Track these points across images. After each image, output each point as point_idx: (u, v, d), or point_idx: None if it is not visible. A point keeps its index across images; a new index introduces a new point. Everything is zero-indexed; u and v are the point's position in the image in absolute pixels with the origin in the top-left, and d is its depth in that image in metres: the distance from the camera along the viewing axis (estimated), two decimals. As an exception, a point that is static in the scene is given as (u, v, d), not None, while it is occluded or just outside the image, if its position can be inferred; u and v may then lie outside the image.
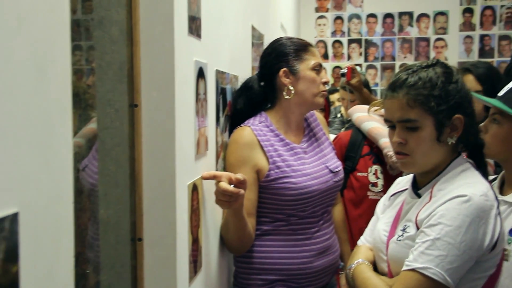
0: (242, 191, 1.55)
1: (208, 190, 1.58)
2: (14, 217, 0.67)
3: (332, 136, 2.61)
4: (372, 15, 6.33)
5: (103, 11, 1.22)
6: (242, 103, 1.92)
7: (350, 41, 6.39)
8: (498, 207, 1.39)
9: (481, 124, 1.78)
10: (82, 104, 1.21)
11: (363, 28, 6.37)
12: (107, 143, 1.22)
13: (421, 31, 6.24)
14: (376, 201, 1.74)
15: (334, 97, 4.57)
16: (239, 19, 2.10)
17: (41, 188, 0.75)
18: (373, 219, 1.64)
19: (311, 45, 1.94)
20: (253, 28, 2.40)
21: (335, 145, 2.24)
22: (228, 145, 1.85)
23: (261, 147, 1.82)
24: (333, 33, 6.43)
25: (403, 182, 1.62)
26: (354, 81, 3.03)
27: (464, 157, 1.51)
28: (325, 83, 1.90)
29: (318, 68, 1.89)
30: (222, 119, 1.80)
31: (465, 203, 1.32)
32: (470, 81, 2.16)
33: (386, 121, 1.47)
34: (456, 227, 1.30)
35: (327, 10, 6.42)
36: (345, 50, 6.41)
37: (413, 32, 6.26)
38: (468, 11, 6.19)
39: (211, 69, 1.62)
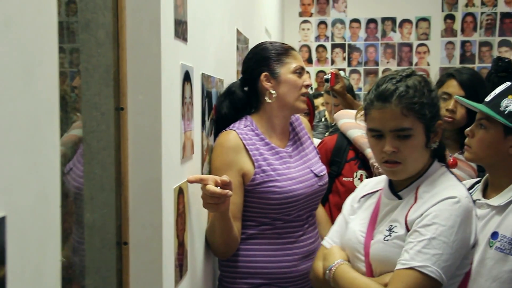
0: (229, 192, 1.55)
1: (194, 193, 1.58)
2: (1, 221, 0.66)
3: (316, 140, 2.62)
4: (355, 20, 6.38)
5: (89, 14, 1.21)
6: (226, 108, 1.92)
7: (334, 46, 6.43)
8: None
9: (467, 129, 1.80)
10: (67, 107, 1.21)
11: (347, 33, 6.42)
12: (93, 147, 1.21)
13: (404, 36, 6.31)
14: None
15: (318, 101, 4.59)
16: (225, 23, 2.10)
17: (28, 191, 0.74)
18: (339, 220, 1.64)
19: (293, 49, 1.95)
20: (238, 32, 2.41)
21: (321, 149, 2.25)
22: (214, 149, 1.85)
23: (247, 151, 1.82)
24: (317, 38, 6.47)
25: (371, 184, 1.64)
26: (337, 86, 3.05)
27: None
28: (307, 86, 1.91)
29: (299, 71, 1.90)
30: (207, 123, 1.80)
31: (456, 204, 1.38)
32: (453, 86, 2.18)
33: (373, 130, 1.47)
34: (449, 227, 1.36)
35: (311, 15, 6.46)
36: (328, 55, 6.45)
37: (396, 37, 6.33)
38: (450, 18, 6.27)
39: (197, 72, 1.62)
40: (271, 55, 1.90)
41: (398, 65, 6.29)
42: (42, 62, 0.79)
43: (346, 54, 6.41)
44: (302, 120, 2.09)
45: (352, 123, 2.26)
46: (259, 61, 1.91)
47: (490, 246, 1.70)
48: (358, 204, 1.61)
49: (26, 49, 0.74)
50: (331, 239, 1.62)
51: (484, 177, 1.84)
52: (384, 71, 6.31)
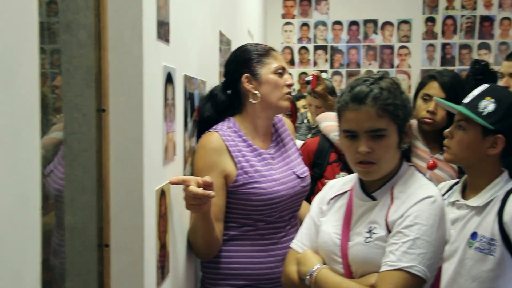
0: (212, 192, 1.55)
1: (176, 195, 1.58)
2: (-20, 223, 0.66)
3: (298, 142, 2.63)
4: (337, 22, 6.41)
5: (70, 15, 1.20)
6: (208, 111, 1.92)
7: (316, 48, 6.46)
8: None
9: (447, 130, 1.83)
10: (48, 108, 1.20)
11: (329, 35, 6.45)
12: (74, 148, 1.20)
13: (386, 38, 6.37)
14: None
15: (299, 103, 4.60)
16: (207, 25, 2.10)
17: (8, 193, 0.74)
18: (307, 223, 1.64)
19: (273, 49, 1.96)
20: (221, 34, 2.41)
21: (303, 151, 2.26)
22: (196, 150, 1.85)
23: (229, 152, 1.82)
24: (300, 40, 6.49)
25: (338, 185, 1.66)
26: (319, 88, 3.06)
27: None
28: (290, 85, 1.91)
29: (280, 71, 1.90)
30: (190, 124, 1.79)
31: (433, 203, 1.43)
32: (434, 88, 2.21)
33: (348, 131, 1.49)
34: (430, 226, 1.40)
35: (293, 17, 6.48)
36: (311, 57, 6.47)
37: (377, 39, 6.38)
38: (431, 20, 6.34)
39: (179, 74, 1.62)
40: (252, 57, 1.90)
41: (380, 67, 6.34)
42: (23, 63, 0.78)
43: (328, 56, 6.45)
44: (285, 122, 2.09)
45: (335, 126, 2.26)
46: (239, 63, 1.92)
47: (470, 247, 1.72)
48: (327, 206, 1.61)
49: (6, 49, 0.73)
50: (300, 242, 1.62)
51: (463, 178, 1.87)
52: (366, 73, 6.36)
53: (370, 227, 1.47)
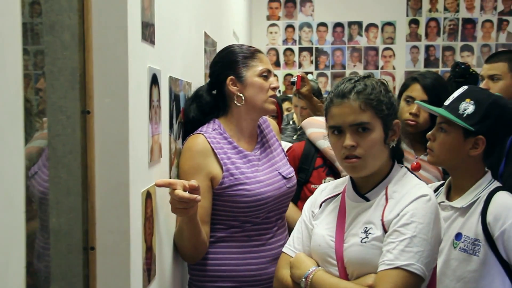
0: (198, 197, 1.54)
1: (162, 197, 1.57)
2: (-37, 227, 0.65)
3: (284, 143, 2.62)
4: (322, 24, 6.44)
5: (54, 16, 1.19)
6: (194, 112, 1.92)
7: (301, 49, 6.48)
8: None
9: (429, 133, 1.84)
10: (32, 110, 1.18)
11: (314, 37, 6.47)
12: (58, 150, 1.19)
13: (370, 40, 6.41)
14: None
15: (285, 105, 4.61)
16: (192, 26, 2.10)
17: (-9, 196, 0.73)
18: (299, 227, 1.64)
19: (259, 52, 1.95)
20: (206, 35, 2.40)
21: (289, 156, 2.25)
22: (182, 152, 1.84)
23: (215, 154, 1.82)
24: (285, 41, 6.51)
25: (329, 188, 1.66)
26: (304, 89, 3.07)
27: None
28: (275, 88, 1.91)
29: (266, 74, 1.90)
30: (175, 126, 1.79)
31: (428, 202, 1.44)
32: (417, 90, 2.22)
33: (333, 127, 1.51)
34: (427, 224, 1.41)
35: (278, 19, 6.50)
36: (296, 58, 6.49)
37: (362, 41, 6.42)
38: (414, 22, 6.40)
39: (165, 75, 1.61)
40: (237, 59, 1.90)
41: (365, 68, 6.38)
42: (6, 65, 0.77)
43: (313, 58, 6.47)
44: (270, 123, 2.09)
45: (322, 133, 2.25)
46: (224, 65, 1.91)
47: (454, 247, 1.74)
48: (320, 210, 1.61)
49: (-11, 51, 0.72)
50: (292, 246, 1.62)
51: (448, 180, 1.88)
52: (351, 74, 6.39)
53: (366, 227, 1.47)
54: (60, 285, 1.20)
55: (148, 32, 1.41)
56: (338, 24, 6.41)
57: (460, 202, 1.76)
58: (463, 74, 3.02)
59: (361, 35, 6.40)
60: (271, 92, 1.90)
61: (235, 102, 1.88)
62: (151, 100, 1.44)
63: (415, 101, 2.14)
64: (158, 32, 1.50)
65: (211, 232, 1.83)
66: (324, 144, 2.23)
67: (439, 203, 1.82)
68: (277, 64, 6.44)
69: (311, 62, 6.47)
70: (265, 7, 6.49)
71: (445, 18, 6.37)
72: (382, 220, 1.45)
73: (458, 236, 1.74)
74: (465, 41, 6.35)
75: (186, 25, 1.97)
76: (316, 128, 2.30)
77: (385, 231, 1.44)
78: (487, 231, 1.67)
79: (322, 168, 2.26)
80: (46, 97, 1.19)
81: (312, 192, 2.23)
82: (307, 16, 6.46)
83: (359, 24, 6.40)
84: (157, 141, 1.52)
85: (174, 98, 1.75)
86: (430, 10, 6.37)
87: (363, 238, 1.46)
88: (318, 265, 1.54)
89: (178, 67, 1.83)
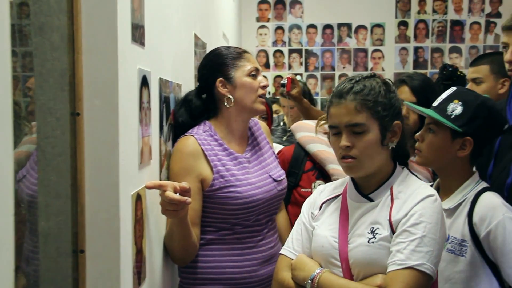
0: (188, 199, 1.54)
1: (152, 199, 1.56)
2: (-50, 231, 0.64)
3: (274, 145, 2.62)
4: (312, 26, 6.46)
5: (43, 17, 1.18)
6: (183, 117, 1.91)
7: (291, 51, 6.49)
8: None
9: (417, 134, 1.85)
10: (20, 112, 1.17)
11: (304, 39, 6.49)
12: (47, 153, 1.18)
13: (359, 42, 6.43)
14: None
15: (273, 108, 4.61)
16: (182, 28, 2.09)
17: (-21, 199, 0.72)
18: (298, 229, 1.63)
19: (246, 52, 1.95)
20: (196, 37, 2.40)
21: (278, 159, 2.25)
22: (172, 154, 1.84)
23: (205, 156, 1.82)
24: (274, 43, 6.51)
25: (328, 189, 1.66)
26: (294, 91, 3.06)
27: None
28: (264, 87, 1.91)
29: (254, 73, 1.90)
30: (165, 128, 1.78)
31: (435, 202, 1.46)
32: (405, 92, 2.23)
33: (332, 127, 1.52)
34: (435, 223, 1.42)
35: (268, 20, 6.50)
36: (286, 60, 6.50)
37: (351, 43, 6.44)
38: (403, 24, 6.43)
39: (155, 77, 1.61)
40: (224, 60, 1.90)
41: (354, 70, 6.40)
42: (-6, 66, 0.76)
43: (303, 59, 6.48)
44: (261, 125, 2.09)
45: (312, 137, 2.25)
46: (212, 67, 1.91)
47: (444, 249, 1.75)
48: (320, 211, 1.61)
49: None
50: (292, 249, 1.61)
51: (436, 181, 1.89)
52: (340, 76, 6.41)
53: (373, 227, 1.47)
54: (50, 289, 1.19)
55: (138, 34, 1.40)
56: (328, 26, 6.43)
57: (447, 203, 1.77)
58: (451, 77, 3.04)
59: (350, 37, 6.43)
60: (260, 91, 1.90)
61: (225, 103, 1.88)
62: (141, 102, 1.44)
63: (404, 102, 2.14)
64: (148, 33, 1.49)
65: (201, 234, 1.83)
66: (314, 147, 2.23)
67: None
68: (266, 65, 6.45)
69: (301, 63, 6.48)
70: (254, 9, 6.49)
71: (433, 20, 6.41)
72: (389, 220, 1.45)
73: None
74: (453, 43, 6.40)
75: (176, 26, 1.96)
76: (306, 131, 2.29)
77: (392, 231, 1.44)
78: (474, 231, 1.68)
79: (311, 171, 2.25)
80: (35, 99, 1.18)
81: (302, 196, 2.23)
82: (296, 18, 6.47)
83: (349, 26, 6.42)
84: (147, 143, 1.52)
85: (164, 100, 1.75)
86: (418, 12, 6.41)
87: (371, 239, 1.46)
88: (321, 267, 1.53)
89: (168, 68, 1.82)
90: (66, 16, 1.18)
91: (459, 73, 3.16)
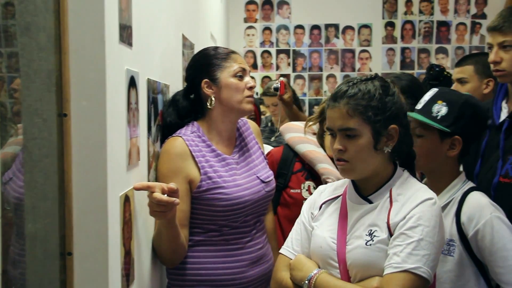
0: (177, 200, 1.53)
1: (140, 201, 1.55)
2: None
3: (267, 147, 2.61)
4: (299, 27, 6.46)
5: (29, 17, 1.17)
6: (171, 117, 1.91)
7: (279, 52, 6.49)
8: None
9: None
10: (6, 114, 1.16)
11: (291, 39, 6.49)
12: (34, 154, 1.17)
13: (347, 43, 6.45)
14: None
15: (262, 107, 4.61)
16: (170, 28, 2.08)
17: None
18: (298, 229, 1.64)
19: (233, 52, 1.94)
20: (184, 38, 2.39)
21: (267, 161, 2.24)
22: (160, 155, 1.83)
23: (193, 157, 1.81)
24: (262, 44, 6.51)
25: (328, 190, 1.66)
26: (286, 96, 3.07)
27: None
28: (251, 87, 1.90)
29: (240, 74, 1.89)
30: (153, 129, 1.77)
31: (434, 205, 1.46)
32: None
33: (328, 129, 1.54)
34: (433, 227, 1.43)
35: (255, 21, 6.50)
36: (273, 60, 6.50)
37: (339, 43, 6.45)
38: (390, 25, 6.46)
39: (143, 78, 1.60)
40: (210, 61, 1.89)
41: (342, 70, 6.41)
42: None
43: (290, 60, 6.49)
44: (250, 125, 2.09)
45: (301, 138, 2.25)
46: (198, 68, 1.91)
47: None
48: (319, 211, 1.61)
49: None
50: (291, 248, 1.61)
51: (423, 181, 1.90)
52: (328, 76, 6.42)
53: (371, 230, 1.47)
54: (37, 292, 1.18)
55: (125, 34, 1.39)
56: (315, 27, 6.44)
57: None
58: (438, 77, 3.06)
59: (338, 38, 6.44)
60: (247, 92, 1.89)
61: (208, 104, 1.87)
62: (129, 103, 1.43)
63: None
64: (135, 34, 1.49)
65: (189, 236, 1.82)
66: (303, 148, 2.23)
67: None
68: (254, 66, 6.44)
69: (289, 64, 6.49)
70: (242, 10, 6.48)
71: (420, 21, 6.45)
72: (387, 222, 1.46)
73: (434, 237, 1.75)
74: (439, 43, 6.44)
75: (164, 27, 1.95)
76: (295, 132, 2.29)
77: (390, 233, 1.45)
78: (461, 231, 1.69)
79: (301, 172, 2.25)
80: (21, 100, 1.17)
81: (291, 197, 2.23)
82: (284, 18, 6.47)
83: (336, 26, 6.43)
84: (135, 144, 1.51)
85: (152, 101, 1.74)
86: (405, 13, 6.44)
87: (368, 241, 1.46)
88: (319, 267, 1.53)
89: (156, 69, 1.81)
90: (52, 16, 1.17)
91: (445, 73, 3.18)
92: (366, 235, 1.47)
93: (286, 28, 6.48)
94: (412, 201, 1.47)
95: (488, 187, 1.91)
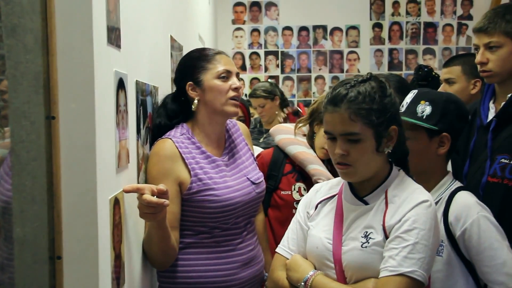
0: (166, 201, 1.52)
1: (130, 203, 1.54)
2: None
3: (256, 148, 2.61)
4: (287, 28, 6.47)
5: (16, 18, 1.16)
6: (161, 118, 1.90)
7: (267, 53, 6.50)
8: None
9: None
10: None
11: (279, 41, 6.50)
12: (22, 157, 1.16)
13: (335, 44, 6.47)
14: None
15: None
16: (158, 30, 2.07)
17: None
18: (294, 228, 1.64)
19: (219, 53, 1.93)
20: (172, 39, 2.38)
21: (257, 163, 2.24)
22: (150, 157, 1.82)
23: (183, 159, 1.80)
24: (250, 45, 6.51)
25: (324, 189, 1.66)
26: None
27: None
28: (236, 89, 1.88)
29: (224, 75, 1.88)
30: (142, 131, 1.76)
31: (429, 208, 1.46)
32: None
33: (327, 133, 1.51)
34: (428, 230, 1.43)
35: (243, 23, 6.50)
36: (262, 62, 6.51)
37: (327, 45, 6.47)
38: (378, 26, 6.49)
39: (131, 80, 1.59)
40: (193, 64, 1.89)
41: (330, 72, 6.44)
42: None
43: (279, 61, 6.50)
44: (240, 126, 2.08)
45: (291, 139, 2.25)
46: (183, 71, 1.91)
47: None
48: (315, 211, 1.61)
49: None
50: (287, 248, 1.61)
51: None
52: (316, 78, 6.44)
53: (366, 232, 1.47)
54: (26, 297, 1.17)
55: (113, 36, 1.38)
56: (303, 28, 6.46)
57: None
58: (426, 77, 3.08)
59: (326, 39, 6.46)
60: (232, 93, 1.87)
61: (193, 107, 1.87)
62: (117, 105, 1.42)
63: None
64: (124, 35, 1.48)
65: (180, 238, 1.81)
66: (294, 149, 2.23)
67: None
68: (243, 68, 6.44)
69: (277, 66, 6.49)
70: (230, 11, 6.48)
71: (407, 22, 6.49)
72: (383, 225, 1.46)
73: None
74: (427, 44, 6.48)
75: (152, 28, 1.94)
76: (285, 134, 2.29)
77: (386, 236, 1.45)
78: (449, 231, 1.70)
79: (291, 174, 2.25)
80: (8, 103, 1.15)
81: (282, 199, 2.23)
82: (272, 20, 6.48)
83: (324, 28, 6.45)
84: (125, 146, 1.50)
85: (141, 103, 1.73)
86: (393, 14, 6.48)
87: (364, 243, 1.46)
88: (315, 268, 1.53)
89: (145, 71, 1.80)
90: (39, 18, 1.16)
91: (434, 73, 3.21)
92: (362, 237, 1.47)
93: (274, 29, 6.49)
94: (407, 203, 1.47)
95: (477, 187, 1.92)
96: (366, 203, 1.52)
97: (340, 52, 6.48)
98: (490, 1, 6.14)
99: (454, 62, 2.72)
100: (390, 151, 1.52)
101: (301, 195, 2.15)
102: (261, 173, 2.02)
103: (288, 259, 1.59)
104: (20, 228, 1.16)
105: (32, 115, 1.16)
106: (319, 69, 6.48)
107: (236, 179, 1.90)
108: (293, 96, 6.42)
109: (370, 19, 6.48)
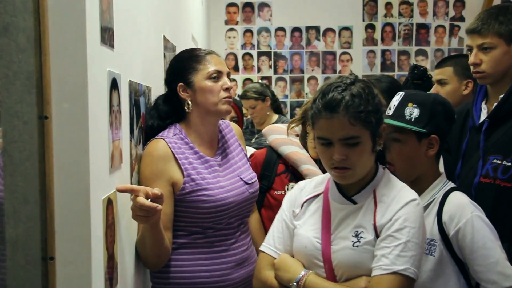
0: (159, 206, 1.52)
1: (123, 204, 1.54)
2: None
3: (249, 149, 2.61)
4: (280, 29, 6.48)
5: (8, 17, 1.15)
6: (154, 119, 1.89)
7: (260, 54, 6.50)
8: None
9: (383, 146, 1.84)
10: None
11: (272, 41, 6.51)
12: (15, 158, 1.15)
13: (328, 45, 6.48)
14: None
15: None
16: (152, 30, 2.07)
17: None
18: (279, 226, 1.63)
19: (209, 53, 1.92)
20: (165, 40, 2.37)
21: (251, 163, 2.24)
22: (142, 158, 1.81)
23: (176, 160, 1.80)
24: (243, 46, 6.51)
25: (309, 187, 1.65)
26: None
27: None
28: (227, 89, 1.88)
29: (215, 76, 1.87)
30: (136, 132, 1.76)
31: (417, 206, 1.49)
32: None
33: (322, 139, 1.49)
34: (418, 228, 1.46)
35: (236, 23, 6.50)
36: (255, 63, 6.51)
37: (320, 45, 6.49)
38: (370, 27, 6.51)
39: (125, 80, 1.58)
40: (183, 65, 1.89)
41: (323, 72, 6.45)
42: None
43: (272, 62, 6.50)
44: (233, 127, 2.08)
45: (284, 139, 2.25)
46: (174, 72, 1.91)
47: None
48: (301, 210, 1.61)
49: None
50: (274, 247, 1.60)
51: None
52: (309, 78, 6.45)
53: (357, 231, 1.49)
54: (18, 298, 1.16)
55: (107, 36, 1.38)
56: (296, 29, 6.46)
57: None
58: (421, 76, 3.08)
59: (318, 40, 6.48)
60: (223, 93, 1.87)
61: (185, 108, 1.86)
62: (111, 105, 1.41)
63: None
64: (117, 35, 1.47)
65: (173, 238, 1.81)
66: (287, 149, 2.23)
67: None
68: (236, 68, 6.44)
69: (270, 66, 6.50)
70: (223, 12, 6.48)
71: (400, 23, 6.51)
72: (374, 224, 1.47)
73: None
74: (419, 45, 6.51)
75: (145, 28, 1.94)
76: (278, 134, 2.29)
77: (377, 235, 1.47)
78: (443, 230, 1.70)
79: (284, 174, 2.25)
80: (1, 102, 1.15)
81: (275, 199, 2.23)
82: (265, 20, 6.49)
83: (317, 28, 6.47)
84: (118, 146, 1.49)
85: (135, 103, 1.72)
86: (385, 15, 6.50)
87: (355, 242, 1.47)
88: (304, 267, 1.54)
89: (138, 71, 1.80)
90: (32, 17, 1.15)
91: (428, 74, 3.22)
92: (353, 236, 1.48)
93: (267, 30, 6.49)
94: (396, 202, 1.49)
95: (469, 187, 1.93)
96: (354, 202, 1.53)
97: (333, 53, 6.49)
98: (482, 3, 6.17)
99: (446, 63, 2.73)
100: (380, 148, 1.54)
101: None
102: (254, 173, 2.02)
103: (275, 258, 1.58)
104: (12, 229, 1.15)
105: (24, 115, 1.16)
106: (312, 70, 6.48)
107: (229, 179, 1.90)
108: (286, 97, 6.42)
109: (363, 20, 6.50)
